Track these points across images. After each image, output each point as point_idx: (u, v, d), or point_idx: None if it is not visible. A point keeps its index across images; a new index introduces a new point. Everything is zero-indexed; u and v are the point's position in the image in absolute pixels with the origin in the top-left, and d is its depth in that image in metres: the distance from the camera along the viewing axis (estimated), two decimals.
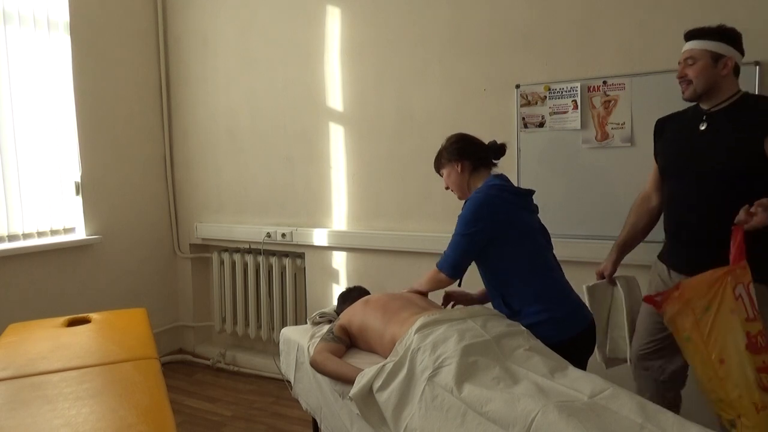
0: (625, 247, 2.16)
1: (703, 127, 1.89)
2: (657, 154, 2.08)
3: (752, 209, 1.65)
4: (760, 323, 1.66)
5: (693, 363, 1.78)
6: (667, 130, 2.05)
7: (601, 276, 2.19)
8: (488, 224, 1.85)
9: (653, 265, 2.12)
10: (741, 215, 1.67)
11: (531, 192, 2.02)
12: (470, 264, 1.93)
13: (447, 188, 2.10)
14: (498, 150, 2.04)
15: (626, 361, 2.13)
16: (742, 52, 1.90)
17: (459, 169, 2.01)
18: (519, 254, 1.88)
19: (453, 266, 1.90)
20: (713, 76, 1.85)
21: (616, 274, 2.18)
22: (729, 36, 1.86)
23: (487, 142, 2.06)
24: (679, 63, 1.93)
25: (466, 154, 2.01)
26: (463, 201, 2.04)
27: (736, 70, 1.88)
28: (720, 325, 1.67)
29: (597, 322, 2.03)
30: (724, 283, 1.68)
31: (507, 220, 1.87)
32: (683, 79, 1.90)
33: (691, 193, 1.89)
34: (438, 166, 2.10)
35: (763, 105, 1.86)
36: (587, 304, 2.12)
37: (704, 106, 1.91)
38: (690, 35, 1.91)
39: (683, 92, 1.93)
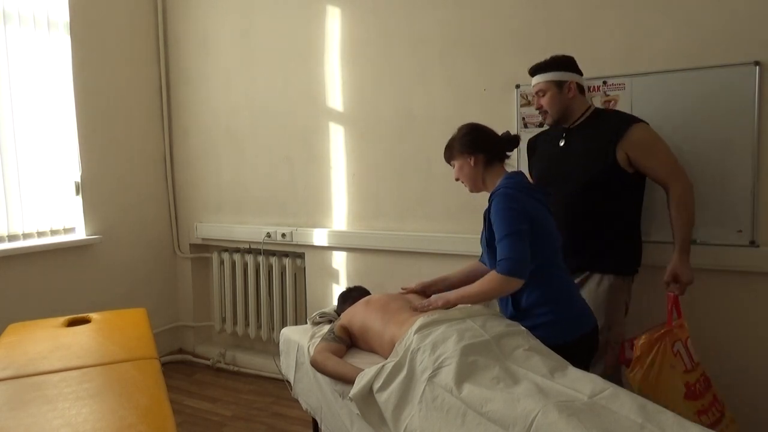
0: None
1: (562, 143, 2.17)
2: (531, 168, 2.35)
3: (681, 278, 1.98)
4: (699, 371, 1.94)
5: None
6: (538, 148, 2.33)
7: None
8: (527, 215, 1.80)
9: None
10: (672, 288, 2.00)
11: (549, 193, 1.99)
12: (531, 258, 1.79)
13: (457, 180, 2.03)
14: (511, 141, 1.98)
15: None
16: (580, 73, 2.16)
17: (472, 162, 1.95)
18: (537, 253, 1.83)
19: (522, 265, 1.75)
20: (563, 101, 2.12)
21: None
22: (564, 63, 2.13)
23: (500, 134, 2.00)
24: (532, 97, 2.22)
25: (480, 147, 1.95)
26: (474, 193, 2.02)
27: (582, 90, 2.16)
28: (663, 379, 1.91)
29: None
30: (663, 342, 1.94)
31: (535, 217, 1.83)
32: (540, 110, 2.17)
33: (557, 204, 2.04)
34: (449, 156, 2.03)
35: (612, 118, 2.12)
36: None
37: (564, 125, 2.18)
38: (533, 71, 2.17)
39: (544, 120, 2.21)
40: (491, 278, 1.80)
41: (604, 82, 2.42)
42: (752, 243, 2.21)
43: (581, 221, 2.08)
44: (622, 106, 2.38)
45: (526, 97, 2.58)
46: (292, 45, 3.22)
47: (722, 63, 2.20)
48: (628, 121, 2.06)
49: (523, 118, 2.59)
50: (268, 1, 3.29)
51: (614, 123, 2.05)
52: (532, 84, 2.18)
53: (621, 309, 2.11)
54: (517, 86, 2.60)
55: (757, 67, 2.15)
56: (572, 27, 2.48)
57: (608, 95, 2.42)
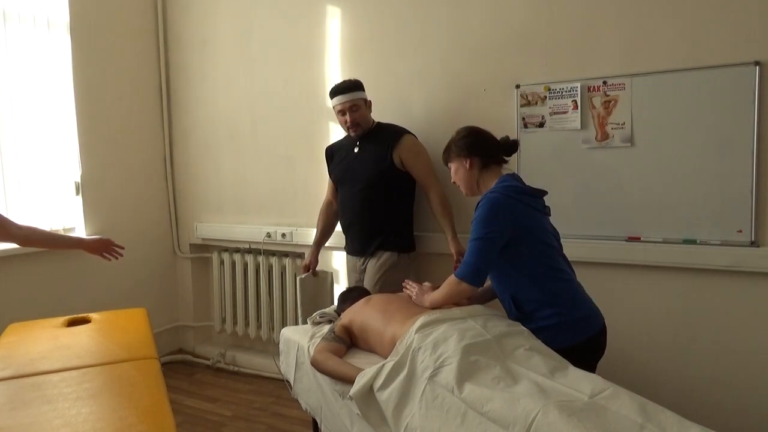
0: (320, 244, 2.87)
1: (356, 150, 2.64)
2: (331, 172, 2.79)
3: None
4: None
5: None
6: (335, 154, 2.77)
7: (306, 269, 2.83)
8: (506, 226, 1.80)
9: (347, 260, 2.81)
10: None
11: (544, 193, 1.98)
12: (490, 268, 1.86)
13: (454, 183, 2.04)
14: (510, 147, 1.98)
15: None
16: (364, 91, 2.62)
17: (467, 165, 1.95)
18: (531, 256, 1.84)
19: (475, 273, 1.80)
20: (367, 116, 2.62)
21: (318, 268, 2.86)
22: (361, 85, 2.61)
23: (499, 138, 2.00)
24: (343, 112, 2.56)
25: (476, 151, 1.95)
26: (470, 197, 2.02)
27: (371, 104, 2.64)
28: None
29: (306, 304, 2.74)
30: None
31: (523, 222, 1.83)
32: (354, 123, 2.56)
33: (353, 198, 2.62)
34: (446, 158, 2.03)
35: (389, 129, 2.63)
36: (298, 295, 2.80)
37: (358, 135, 2.61)
38: (344, 90, 2.56)
39: (353, 132, 2.60)
40: (449, 282, 1.88)
41: (604, 82, 2.42)
42: (752, 243, 2.21)
43: (369, 211, 2.58)
44: (622, 106, 2.38)
45: (526, 97, 2.58)
46: (292, 45, 3.22)
47: (722, 63, 2.20)
48: (401, 132, 2.59)
49: (524, 118, 2.59)
50: (268, 1, 3.29)
51: (391, 133, 2.59)
52: (344, 100, 2.55)
53: (398, 278, 2.43)
54: (517, 86, 2.60)
55: (757, 67, 2.15)
56: (572, 27, 2.48)
57: (608, 95, 2.42)
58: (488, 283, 2.12)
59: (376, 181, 2.56)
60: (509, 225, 1.80)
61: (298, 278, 2.84)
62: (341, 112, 2.58)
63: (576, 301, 1.89)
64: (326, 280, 2.91)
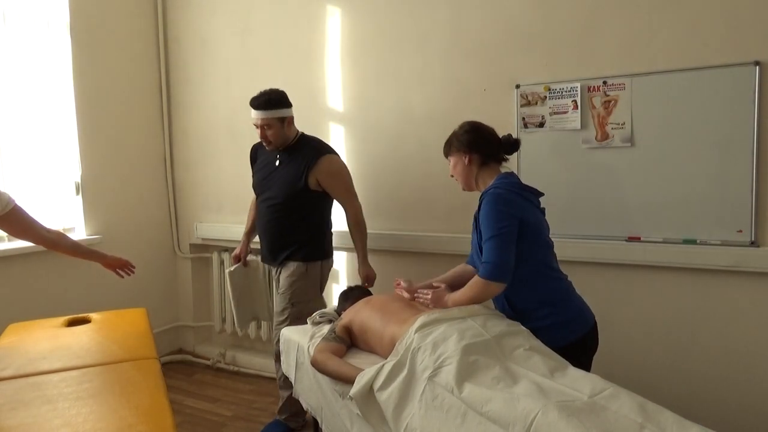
0: (250, 234, 2.90)
1: (278, 163, 2.62)
2: (252, 174, 2.77)
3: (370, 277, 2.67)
4: None
5: None
6: (259, 158, 2.75)
7: (237, 260, 2.87)
8: (516, 218, 1.80)
9: (261, 264, 2.88)
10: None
11: (540, 194, 1.99)
12: (514, 261, 1.81)
13: (452, 176, 2.04)
14: (511, 145, 1.99)
15: (263, 319, 3.00)
16: (291, 106, 2.59)
17: (467, 161, 1.96)
18: (530, 254, 1.84)
19: (502, 269, 1.78)
20: (283, 134, 2.56)
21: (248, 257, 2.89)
22: (284, 100, 2.56)
23: (501, 136, 2.00)
24: (257, 126, 2.55)
25: (476, 148, 1.95)
26: (467, 192, 2.03)
27: (293, 119, 2.61)
28: None
29: (237, 298, 2.82)
30: None
31: (526, 218, 1.84)
32: (266, 141, 2.56)
33: (267, 210, 2.63)
34: (447, 151, 2.04)
35: (309, 146, 2.60)
36: (228, 286, 2.82)
37: (277, 149, 2.62)
38: (258, 106, 2.51)
39: (268, 148, 2.61)
40: (475, 283, 1.84)
41: (604, 82, 2.42)
42: (752, 243, 2.21)
43: (280, 225, 2.62)
44: (622, 106, 2.38)
45: (526, 97, 2.58)
46: (292, 45, 3.22)
47: (722, 63, 2.20)
48: (319, 152, 2.57)
49: (523, 118, 2.59)
50: (268, 1, 3.29)
51: (310, 153, 2.56)
52: (257, 117, 2.52)
53: (315, 287, 2.67)
54: (517, 86, 2.60)
55: (757, 67, 2.15)
56: (572, 27, 2.48)
57: (608, 95, 2.42)
58: (458, 269, 2.15)
59: (289, 200, 2.57)
60: (516, 217, 1.81)
61: (227, 271, 2.84)
62: (255, 126, 2.56)
63: (568, 299, 1.90)
64: (258, 269, 2.90)
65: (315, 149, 2.59)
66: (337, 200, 2.67)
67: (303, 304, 2.60)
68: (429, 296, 1.97)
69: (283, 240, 2.63)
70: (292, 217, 2.59)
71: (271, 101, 2.52)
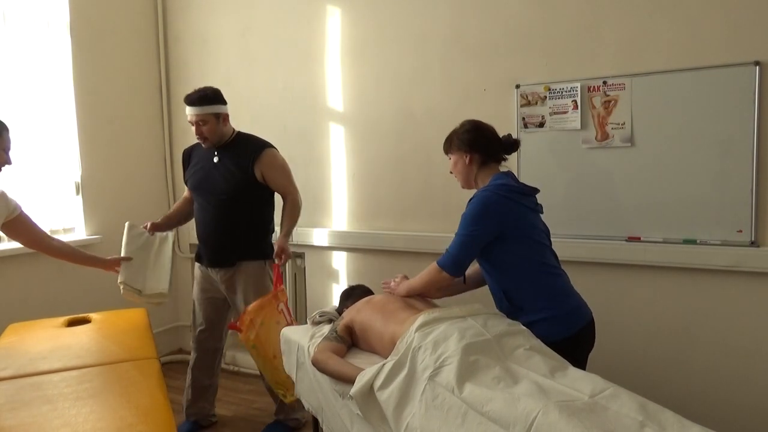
0: (170, 218, 2.77)
1: (216, 160, 2.57)
2: (186, 178, 2.70)
3: (285, 253, 2.49)
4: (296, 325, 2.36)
5: (258, 362, 2.45)
6: (192, 160, 2.69)
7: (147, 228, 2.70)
8: (493, 224, 1.85)
9: (197, 270, 2.74)
10: (277, 261, 2.47)
11: (536, 191, 2.01)
12: (471, 262, 1.93)
13: (451, 173, 2.07)
14: (511, 145, 2.01)
15: (165, 295, 2.67)
16: (226, 103, 2.57)
17: (467, 160, 1.98)
18: (523, 253, 1.88)
19: (456, 264, 1.89)
20: (219, 130, 2.53)
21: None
22: (216, 97, 2.52)
23: (501, 136, 2.02)
24: (192, 123, 2.50)
25: (477, 147, 1.97)
26: (465, 189, 2.05)
27: (228, 117, 2.59)
28: (272, 333, 2.35)
29: (134, 262, 2.60)
30: (271, 304, 2.42)
31: (512, 220, 1.87)
32: (202, 137, 2.51)
33: (212, 209, 2.57)
34: (447, 149, 2.06)
35: (250, 141, 2.61)
36: (123, 241, 2.64)
37: (213, 146, 2.57)
38: (193, 102, 2.47)
39: (204, 144, 2.55)
40: (429, 269, 1.95)
41: (604, 82, 2.42)
42: (752, 243, 2.21)
43: (229, 223, 2.55)
44: (622, 106, 2.38)
45: (526, 97, 2.58)
46: (292, 45, 3.22)
47: (722, 63, 2.20)
48: (262, 146, 2.57)
49: (523, 118, 2.59)
50: (268, 0, 3.29)
51: (252, 147, 2.56)
52: (191, 113, 2.48)
53: (267, 284, 2.61)
54: (517, 86, 2.60)
55: (757, 67, 2.15)
56: (572, 27, 2.48)
57: (608, 95, 2.42)
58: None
59: (237, 194, 2.53)
60: (496, 224, 1.85)
61: (127, 223, 2.68)
62: (191, 123, 2.52)
63: (565, 295, 1.93)
64: (165, 241, 2.71)
65: (256, 144, 2.60)
66: (278, 191, 2.62)
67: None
68: (391, 285, 2.11)
69: (234, 238, 2.55)
70: (242, 212, 2.54)
71: (206, 97, 2.49)
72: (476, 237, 1.86)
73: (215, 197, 2.55)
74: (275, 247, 2.50)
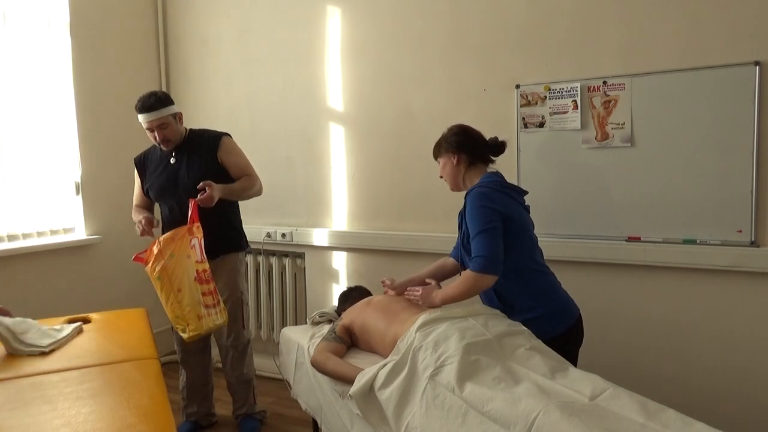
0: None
1: (173, 161, 2.57)
2: (147, 187, 2.65)
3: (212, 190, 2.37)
4: (206, 264, 2.36)
5: (161, 296, 2.36)
6: (149, 167, 2.66)
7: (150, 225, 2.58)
8: (498, 214, 1.86)
9: None
10: (199, 197, 2.36)
11: (525, 192, 2.05)
12: (503, 254, 1.86)
13: (441, 177, 2.10)
14: (497, 147, 2.04)
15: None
16: (174, 102, 2.57)
17: (455, 161, 2.01)
18: (516, 249, 1.88)
19: (493, 262, 1.81)
20: (178, 129, 2.56)
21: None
22: (169, 98, 2.55)
23: (488, 138, 2.05)
24: (152, 129, 2.48)
25: (464, 148, 2.01)
26: (455, 192, 2.08)
27: (182, 115, 2.61)
28: (180, 265, 2.31)
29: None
30: (184, 238, 2.35)
31: (509, 214, 1.88)
32: (165, 140, 2.50)
33: (181, 209, 2.48)
34: (436, 153, 2.10)
35: (205, 134, 2.63)
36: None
37: (171, 147, 2.55)
38: (149, 108, 2.46)
39: (165, 147, 2.54)
40: (467, 277, 1.86)
41: (604, 82, 2.42)
42: (752, 243, 2.21)
43: (204, 216, 2.43)
44: (622, 106, 2.38)
45: (526, 97, 2.58)
46: (292, 45, 3.22)
47: (722, 63, 2.21)
48: (219, 135, 2.61)
49: (523, 118, 2.59)
50: (268, 1, 3.29)
51: (210, 138, 2.59)
52: (152, 118, 2.46)
53: (243, 273, 2.71)
54: (517, 86, 2.60)
55: (757, 67, 2.15)
56: (572, 27, 2.48)
57: (608, 95, 2.42)
58: (440, 262, 2.19)
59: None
60: (501, 214, 1.86)
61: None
62: (149, 130, 2.50)
63: (554, 293, 1.95)
64: None
65: (213, 133, 2.62)
66: (239, 175, 2.58)
67: (244, 297, 2.72)
68: (419, 293, 2.00)
69: (211, 231, 2.44)
70: (218, 205, 2.45)
71: (162, 100, 2.48)
72: (495, 228, 1.84)
73: (185, 194, 2.46)
74: (205, 185, 2.39)
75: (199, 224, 2.38)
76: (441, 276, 2.18)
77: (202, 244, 2.37)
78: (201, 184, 2.39)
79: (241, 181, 2.57)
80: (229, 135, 2.65)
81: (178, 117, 2.55)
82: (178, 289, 2.31)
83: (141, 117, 2.48)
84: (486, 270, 1.81)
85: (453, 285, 1.91)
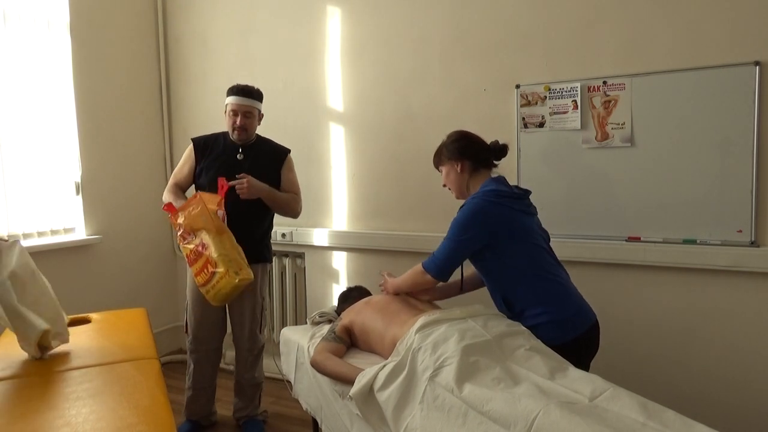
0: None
1: (240, 157, 2.59)
2: (204, 167, 2.61)
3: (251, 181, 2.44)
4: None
5: (201, 237, 2.33)
6: (212, 151, 2.63)
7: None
8: (481, 231, 1.85)
9: None
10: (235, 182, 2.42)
11: (528, 193, 2.00)
12: (456, 268, 1.94)
13: (444, 186, 2.07)
14: (500, 151, 2.02)
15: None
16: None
17: (459, 168, 1.99)
18: (518, 256, 1.86)
19: (440, 269, 1.90)
20: (255, 126, 2.63)
21: None
22: (261, 98, 2.62)
23: (489, 142, 2.04)
24: (236, 113, 2.53)
25: (467, 154, 1.99)
26: (461, 201, 2.03)
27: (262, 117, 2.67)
28: (200, 217, 2.32)
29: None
30: (213, 199, 2.36)
31: (503, 226, 1.85)
32: (242, 127, 2.54)
33: (237, 206, 2.46)
34: (437, 162, 2.08)
35: (272, 144, 2.71)
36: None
37: (239, 142, 2.60)
38: (245, 93, 2.54)
39: (238, 136, 2.57)
40: (414, 270, 1.96)
41: (604, 82, 2.42)
42: (752, 243, 2.21)
43: (252, 222, 2.58)
44: (622, 106, 2.38)
45: (526, 97, 2.58)
46: (292, 45, 3.22)
47: (722, 63, 2.21)
48: (287, 150, 2.71)
49: (523, 118, 2.59)
50: (268, 0, 3.29)
51: (277, 150, 2.70)
52: (242, 102, 2.53)
53: (265, 287, 2.76)
54: (517, 86, 2.60)
55: (757, 67, 2.15)
56: (572, 27, 2.48)
57: (608, 95, 2.42)
58: (453, 279, 2.14)
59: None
60: (486, 232, 1.85)
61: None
62: (234, 113, 2.54)
63: (564, 299, 1.89)
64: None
65: (280, 147, 2.71)
66: (291, 190, 2.69)
67: (265, 303, 2.78)
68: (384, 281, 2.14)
69: (251, 238, 2.54)
70: (260, 214, 2.60)
71: (259, 93, 2.60)
72: (463, 244, 1.86)
73: (236, 196, 2.45)
74: (241, 176, 2.45)
75: (222, 199, 2.39)
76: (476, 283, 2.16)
77: (220, 214, 2.40)
78: (240, 174, 2.44)
79: (288, 195, 2.64)
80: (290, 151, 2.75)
81: (260, 116, 2.64)
82: (221, 231, 2.32)
83: (233, 98, 2.54)
84: (431, 271, 1.90)
85: (402, 276, 2.03)
